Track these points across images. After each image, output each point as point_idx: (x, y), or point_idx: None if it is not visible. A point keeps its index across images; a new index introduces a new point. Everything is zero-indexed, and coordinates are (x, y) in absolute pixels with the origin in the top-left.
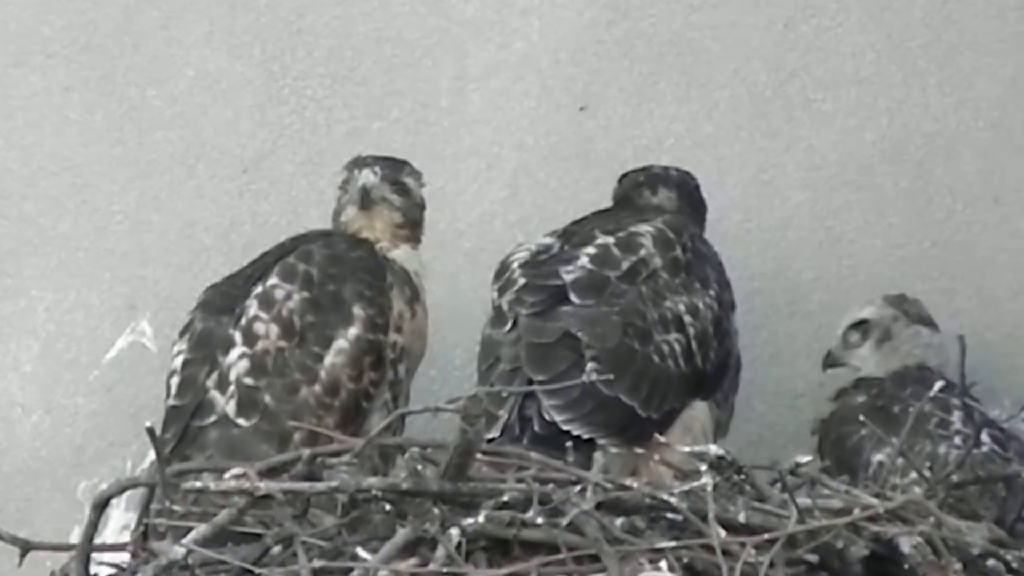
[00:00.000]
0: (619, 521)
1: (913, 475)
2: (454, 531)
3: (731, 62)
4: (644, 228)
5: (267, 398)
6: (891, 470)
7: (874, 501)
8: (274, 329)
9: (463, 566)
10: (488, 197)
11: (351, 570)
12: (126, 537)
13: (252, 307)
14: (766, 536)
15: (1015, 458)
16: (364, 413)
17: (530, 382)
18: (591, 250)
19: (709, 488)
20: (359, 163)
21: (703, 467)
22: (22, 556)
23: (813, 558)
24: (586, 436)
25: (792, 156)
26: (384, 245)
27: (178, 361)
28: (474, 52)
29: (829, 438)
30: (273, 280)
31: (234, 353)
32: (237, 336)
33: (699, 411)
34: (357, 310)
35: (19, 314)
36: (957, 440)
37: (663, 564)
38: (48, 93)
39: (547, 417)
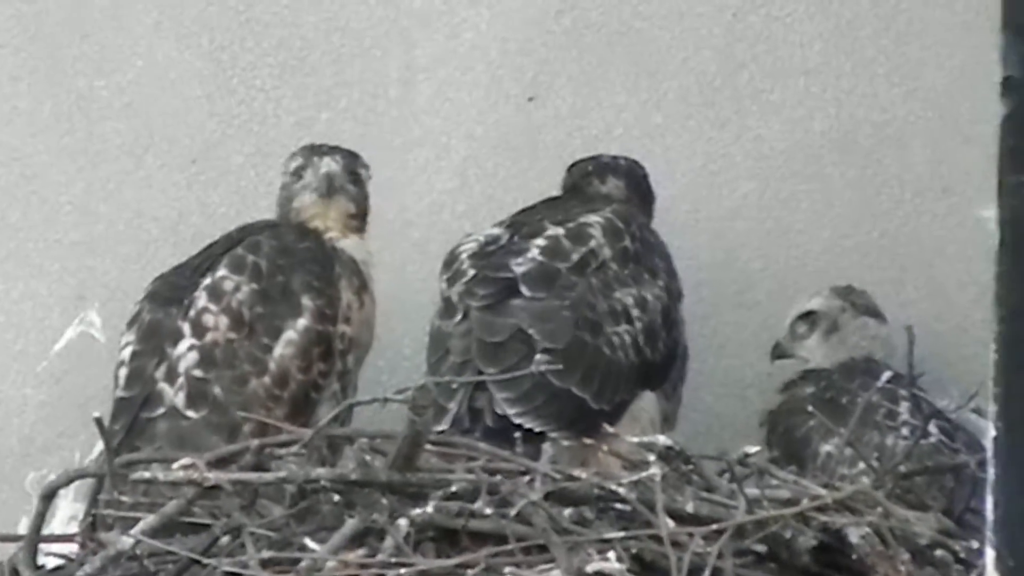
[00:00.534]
0: (568, 512)
1: (861, 466)
2: (402, 521)
3: (680, 52)
4: (593, 219)
5: (216, 390)
6: (839, 461)
7: (822, 492)
8: (223, 321)
9: (411, 556)
10: (437, 187)
11: (299, 560)
12: (74, 528)
13: (201, 299)
14: (714, 526)
15: (963, 449)
16: (313, 404)
17: (480, 375)
18: (541, 242)
19: (657, 479)
20: (318, 151)
21: (651, 457)
22: None
23: (761, 548)
24: (538, 429)
25: (741, 146)
26: (334, 235)
27: (126, 352)
28: (423, 42)
29: (777, 430)
30: (222, 272)
31: (183, 345)
32: (186, 328)
33: (647, 402)
34: (306, 301)
35: None
36: (905, 431)
37: (612, 555)
38: None
39: (499, 411)
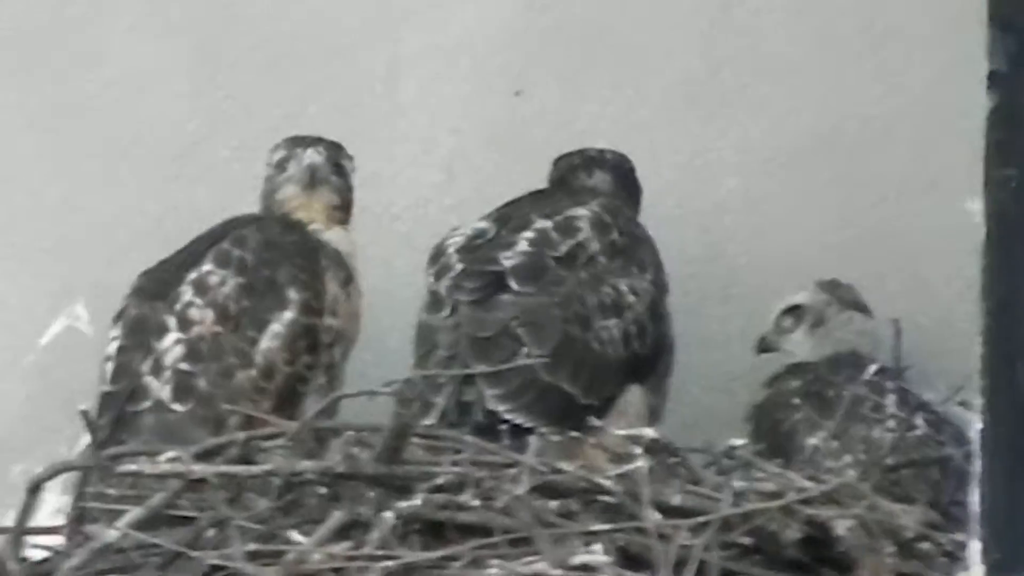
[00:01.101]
0: (553, 504)
1: (847, 458)
2: (388, 514)
3: (666, 47)
4: (581, 211)
5: (202, 383)
6: (825, 453)
7: (808, 484)
8: (209, 315)
9: (397, 549)
10: (423, 181)
11: (285, 553)
12: (60, 520)
13: (187, 293)
14: (700, 519)
15: (949, 441)
16: (299, 397)
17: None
18: (529, 235)
19: (644, 471)
20: (301, 142)
21: (638, 450)
22: None
23: (747, 541)
24: (527, 425)
25: (726, 141)
26: (318, 227)
27: (112, 347)
28: (408, 37)
29: (763, 424)
30: (207, 266)
31: (169, 339)
32: (172, 322)
33: (634, 395)
34: (292, 294)
35: None
36: (891, 423)
37: (597, 547)
38: None
39: (488, 407)
